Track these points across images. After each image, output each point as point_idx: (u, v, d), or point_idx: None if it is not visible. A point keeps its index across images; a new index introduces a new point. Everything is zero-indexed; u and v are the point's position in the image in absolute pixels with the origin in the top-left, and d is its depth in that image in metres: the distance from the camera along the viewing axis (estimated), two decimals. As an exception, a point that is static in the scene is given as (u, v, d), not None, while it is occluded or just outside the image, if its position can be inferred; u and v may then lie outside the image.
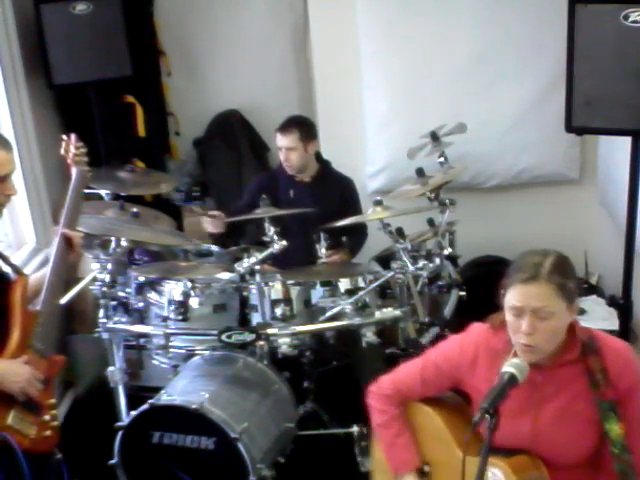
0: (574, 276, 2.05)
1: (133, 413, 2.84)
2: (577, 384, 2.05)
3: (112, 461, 2.87)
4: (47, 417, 2.36)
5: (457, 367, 2.19)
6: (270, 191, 3.61)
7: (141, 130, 4.47)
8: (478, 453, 1.84)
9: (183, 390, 2.95)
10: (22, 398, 2.26)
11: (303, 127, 3.76)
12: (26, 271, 3.53)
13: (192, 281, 3.11)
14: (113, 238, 3.16)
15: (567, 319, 2.01)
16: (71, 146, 2.76)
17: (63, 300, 2.75)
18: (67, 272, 2.59)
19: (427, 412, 2.27)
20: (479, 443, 1.87)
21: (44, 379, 2.34)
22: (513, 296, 1.98)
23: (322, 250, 3.49)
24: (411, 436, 2.28)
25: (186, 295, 3.10)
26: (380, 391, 2.33)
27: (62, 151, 2.78)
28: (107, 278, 3.13)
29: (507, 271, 2.04)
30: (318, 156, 3.93)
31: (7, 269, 2.45)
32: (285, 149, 3.75)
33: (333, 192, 3.84)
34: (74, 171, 2.74)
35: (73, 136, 2.78)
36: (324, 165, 3.93)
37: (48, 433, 2.35)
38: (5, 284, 2.39)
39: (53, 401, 2.42)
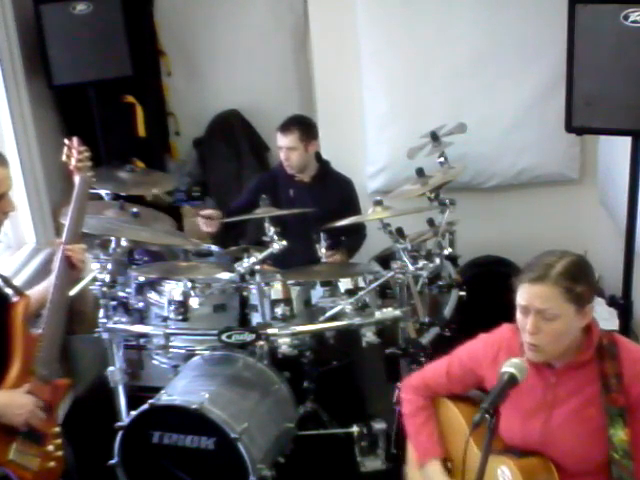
0: (588, 281, 2.02)
1: (133, 413, 2.84)
2: (591, 388, 2.04)
3: (112, 461, 2.87)
4: (51, 447, 2.28)
5: (479, 364, 2.21)
6: (270, 190, 3.62)
7: (141, 130, 4.47)
8: (493, 452, 1.85)
9: (183, 390, 2.95)
10: (24, 429, 2.19)
11: (304, 127, 3.76)
12: (26, 271, 3.57)
13: (192, 281, 3.11)
14: (113, 238, 3.16)
15: (576, 323, 1.99)
16: (74, 150, 2.65)
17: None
18: (70, 288, 2.52)
19: (452, 409, 2.30)
20: (497, 442, 1.89)
21: (47, 406, 2.26)
22: (520, 294, 1.99)
23: (322, 250, 3.50)
24: (437, 427, 2.32)
25: (186, 295, 3.10)
26: (409, 382, 2.40)
27: (64, 157, 2.66)
28: (107, 278, 3.12)
29: (521, 267, 2.05)
30: (318, 156, 3.93)
31: (8, 290, 2.37)
32: (285, 149, 3.75)
33: (332, 192, 3.84)
34: (77, 179, 2.63)
35: (75, 139, 2.68)
36: (324, 165, 3.94)
37: (52, 464, 2.27)
38: (6, 306, 2.31)
39: (57, 429, 2.34)
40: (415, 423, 2.34)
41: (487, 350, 2.20)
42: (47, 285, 2.47)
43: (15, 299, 2.36)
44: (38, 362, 2.29)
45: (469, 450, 2.15)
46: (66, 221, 2.56)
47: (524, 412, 2.08)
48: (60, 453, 2.33)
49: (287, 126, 3.75)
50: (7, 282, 2.40)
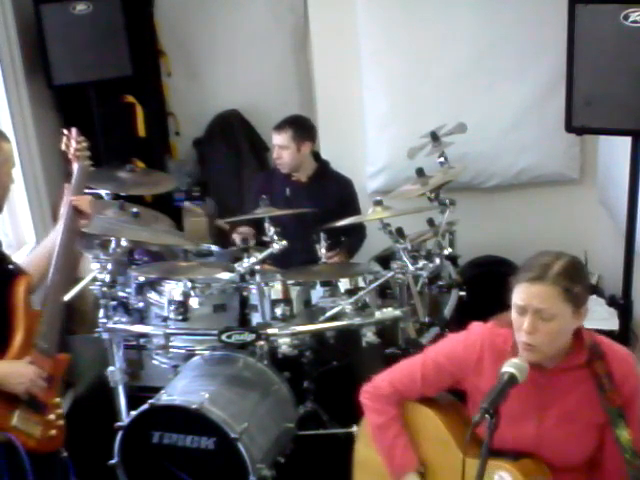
0: (584, 282, 2.03)
1: (133, 413, 2.84)
2: (582, 388, 2.04)
3: (112, 461, 2.87)
4: (52, 416, 2.34)
5: (461, 366, 2.18)
6: (267, 189, 3.63)
7: (141, 130, 4.47)
8: (479, 455, 1.83)
9: (183, 390, 2.95)
10: (26, 397, 2.24)
11: (297, 127, 3.77)
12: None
13: (192, 281, 3.11)
14: (113, 238, 3.16)
15: (572, 324, 2.00)
16: (72, 140, 2.71)
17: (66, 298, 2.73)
18: (75, 251, 2.57)
19: (424, 412, 2.26)
20: (479, 445, 1.86)
21: (48, 377, 2.32)
22: (518, 294, 1.98)
23: (322, 250, 3.49)
24: (410, 436, 2.25)
25: (186, 295, 3.10)
26: (377, 391, 2.30)
27: (63, 146, 2.73)
28: (107, 278, 3.12)
29: (519, 267, 2.04)
30: (316, 156, 3.93)
31: (10, 267, 2.41)
32: (277, 147, 3.77)
33: (330, 192, 3.84)
34: (76, 167, 2.70)
35: (74, 130, 2.74)
36: (322, 165, 3.93)
37: (53, 432, 2.33)
38: (9, 281, 2.35)
39: (58, 400, 2.40)
40: (388, 436, 2.26)
41: (469, 352, 2.16)
42: (52, 242, 2.52)
43: (17, 275, 2.40)
44: (39, 336, 2.34)
45: (449, 452, 2.16)
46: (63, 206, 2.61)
47: (514, 414, 2.05)
48: (61, 422, 2.38)
49: (281, 125, 3.77)
50: (9, 260, 2.45)
